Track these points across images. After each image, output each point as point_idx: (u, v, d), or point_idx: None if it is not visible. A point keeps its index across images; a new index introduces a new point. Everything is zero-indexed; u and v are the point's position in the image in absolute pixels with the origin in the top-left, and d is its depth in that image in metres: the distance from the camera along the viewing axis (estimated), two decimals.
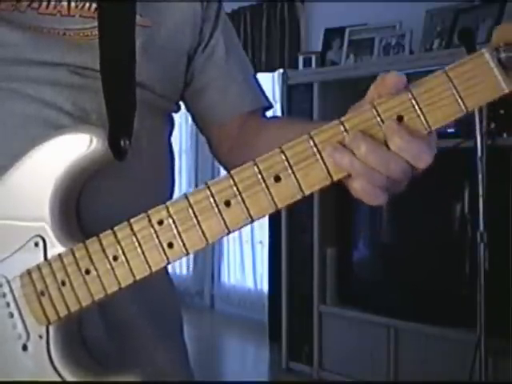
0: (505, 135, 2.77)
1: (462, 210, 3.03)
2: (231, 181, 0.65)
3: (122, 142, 0.74)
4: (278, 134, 0.85)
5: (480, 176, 2.42)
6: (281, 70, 4.10)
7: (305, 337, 3.65)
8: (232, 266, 5.29)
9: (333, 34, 3.90)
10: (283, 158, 0.63)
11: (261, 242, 4.80)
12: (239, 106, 0.93)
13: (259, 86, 0.97)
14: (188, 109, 0.96)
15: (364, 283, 3.46)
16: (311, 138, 0.63)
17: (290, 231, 3.72)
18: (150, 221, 0.67)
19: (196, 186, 5.49)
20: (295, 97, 3.71)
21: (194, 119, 0.98)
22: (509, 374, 2.69)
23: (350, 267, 3.55)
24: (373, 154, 0.61)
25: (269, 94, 5.56)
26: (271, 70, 4.44)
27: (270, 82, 4.70)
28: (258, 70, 4.35)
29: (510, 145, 2.76)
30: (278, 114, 3.81)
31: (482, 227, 2.43)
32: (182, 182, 5.37)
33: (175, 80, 0.90)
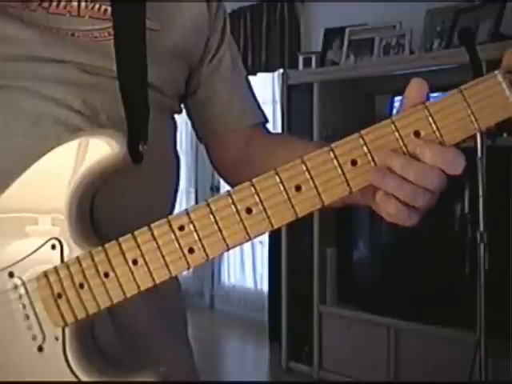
0: (505, 135, 2.77)
1: (462, 210, 3.03)
2: (253, 189, 0.66)
3: (140, 147, 0.75)
4: (286, 156, 0.87)
5: (480, 176, 2.42)
6: (281, 70, 4.09)
7: (305, 337, 3.65)
8: (232, 265, 5.29)
9: (333, 34, 3.90)
10: (304, 168, 0.65)
11: (261, 242, 4.79)
12: (242, 120, 0.95)
13: (256, 100, 0.99)
14: (190, 116, 0.97)
15: (364, 283, 3.46)
16: (332, 150, 0.64)
17: (289, 231, 3.71)
18: (170, 226, 0.68)
19: (196, 186, 5.50)
20: (295, 97, 3.70)
21: (194, 126, 0.98)
22: (509, 374, 2.69)
23: (350, 267, 3.55)
24: (410, 167, 0.63)
25: (269, 93, 5.55)
26: (271, 70, 4.43)
27: (270, 82, 4.68)
28: (257, 70, 4.34)
29: (510, 145, 2.76)
30: (278, 113, 3.81)
31: (482, 227, 2.43)
32: (181, 182, 5.36)
33: (179, 83, 0.91)
